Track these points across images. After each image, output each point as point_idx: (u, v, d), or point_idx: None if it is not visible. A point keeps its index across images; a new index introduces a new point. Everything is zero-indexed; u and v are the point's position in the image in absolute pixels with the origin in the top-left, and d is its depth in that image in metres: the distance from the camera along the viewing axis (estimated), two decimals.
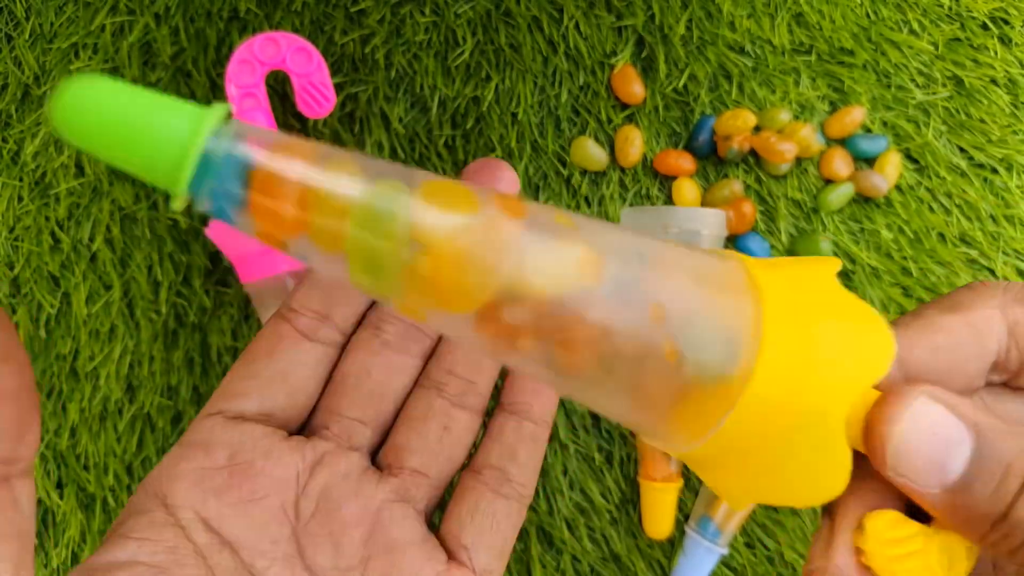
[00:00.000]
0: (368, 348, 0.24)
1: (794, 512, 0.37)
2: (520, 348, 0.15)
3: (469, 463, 0.25)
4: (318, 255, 0.14)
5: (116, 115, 0.12)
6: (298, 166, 0.13)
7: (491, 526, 0.23)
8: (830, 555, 0.17)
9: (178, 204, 0.13)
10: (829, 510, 0.18)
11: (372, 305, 0.25)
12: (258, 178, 0.13)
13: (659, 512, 0.36)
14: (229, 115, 0.13)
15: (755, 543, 0.37)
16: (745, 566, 0.37)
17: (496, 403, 0.25)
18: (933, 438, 0.16)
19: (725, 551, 0.35)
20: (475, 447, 0.25)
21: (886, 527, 0.16)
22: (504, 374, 0.27)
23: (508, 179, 0.24)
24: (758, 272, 0.15)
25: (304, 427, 0.24)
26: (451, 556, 0.23)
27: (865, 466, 0.17)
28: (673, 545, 0.37)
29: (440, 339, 0.25)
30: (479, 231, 0.14)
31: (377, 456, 0.25)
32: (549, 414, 0.25)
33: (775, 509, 0.37)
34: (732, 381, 0.14)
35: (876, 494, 0.18)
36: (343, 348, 0.25)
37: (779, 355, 0.14)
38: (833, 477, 0.15)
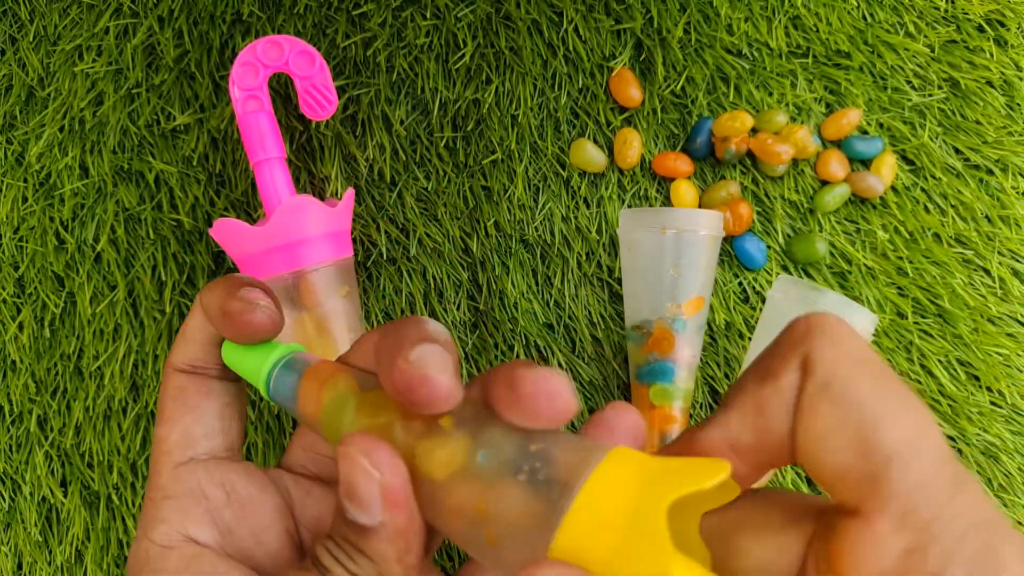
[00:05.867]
0: None
1: None
2: None
3: None
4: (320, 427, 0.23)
5: (243, 364, 0.23)
6: (318, 383, 0.22)
7: None
8: None
9: (267, 396, 0.23)
10: None
11: None
12: (301, 390, 0.22)
13: None
14: (293, 352, 0.23)
15: None
16: None
17: None
18: None
19: None
20: None
21: None
22: None
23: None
24: (603, 474, 0.17)
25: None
26: None
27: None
28: None
29: None
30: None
31: None
32: None
33: None
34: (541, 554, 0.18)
35: None
36: None
37: (565, 554, 0.17)
38: None
